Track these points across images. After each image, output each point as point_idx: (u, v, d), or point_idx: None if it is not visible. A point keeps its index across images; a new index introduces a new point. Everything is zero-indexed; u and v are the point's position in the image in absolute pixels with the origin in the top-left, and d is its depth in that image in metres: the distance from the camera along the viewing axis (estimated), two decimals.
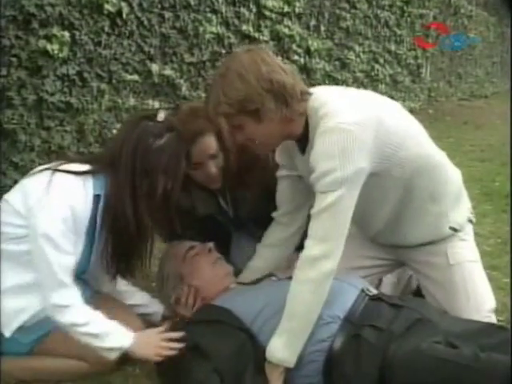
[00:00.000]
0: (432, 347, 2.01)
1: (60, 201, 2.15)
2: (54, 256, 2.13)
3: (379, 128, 2.24)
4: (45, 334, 2.32)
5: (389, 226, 2.52)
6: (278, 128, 2.32)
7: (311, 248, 2.17)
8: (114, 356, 2.22)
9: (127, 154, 2.22)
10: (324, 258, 2.15)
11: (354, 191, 2.19)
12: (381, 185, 2.34)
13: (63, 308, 2.16)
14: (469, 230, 2.60)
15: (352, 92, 2.51)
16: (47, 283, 2.16)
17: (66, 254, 2.16)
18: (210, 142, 2.66)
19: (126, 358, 2.41)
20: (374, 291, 2.34)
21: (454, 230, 2.52)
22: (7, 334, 2.26)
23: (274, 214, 2.71)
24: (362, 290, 2.30)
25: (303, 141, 2.40)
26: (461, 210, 2.56)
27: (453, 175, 2.54)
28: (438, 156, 2.49)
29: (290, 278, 2.24)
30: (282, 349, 2.17)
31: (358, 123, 2.18)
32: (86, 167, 2.26)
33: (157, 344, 2.22)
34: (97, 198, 2.24)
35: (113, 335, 2.20)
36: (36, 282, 2.20)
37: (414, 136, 2.41)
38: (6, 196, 2.32)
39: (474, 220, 2.64)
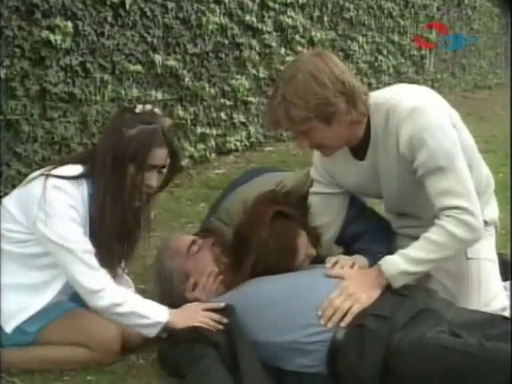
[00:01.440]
0: (437, 336, 2.01)
1: (61, 203, 2.20)
2: (74, 248, 2.19)
3: (447, 109, 2.38)
4: (49, 322, 2.33)
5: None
6: (345, 131, 2.36)
7: (467, 216, 2.22)
8: (154, 332, 2.26)
9: (104, 143, 2.30)
10: (479, 225, 2.25)
11: (462, 155, 2.29)
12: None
13: (99, 292, 2.21)
14: (492, 232, 2.63)
15: (399, 85, 2.59)
16: (77, 272, 2.21)
17: (83, 242, 2.22)
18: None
19: (128, 347, 2.45)
20: None
21: (486, 222, 2.51)
22: (8, 330, 2.30)
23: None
24: None
25: (360, 146, 2.43)
26: (492, 209, 2.63)
27: (489, 175, 2.65)
28: (478, 155, 2.58)
29: None
30: (401, 263, 2.23)
31: (432, 100, 2.36)
32: (77, 168, 2.29)
33: (194, 314, 2.28)
34: (91, 196, 2.28)
35: (150, 311, 2.25)
36: (38, 283, 2.29)
37: (464, 127, 2.50)
38: (5, 202, 2.36)
39: (498, 226, 2.68)
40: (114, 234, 2.32)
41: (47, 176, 2.24)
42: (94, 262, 2.23)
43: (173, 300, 2.47)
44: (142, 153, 2.25)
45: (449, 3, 11.32)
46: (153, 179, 2.31)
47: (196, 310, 2.32)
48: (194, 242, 2.57)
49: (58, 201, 2.20)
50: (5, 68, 3.80)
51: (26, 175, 3.97)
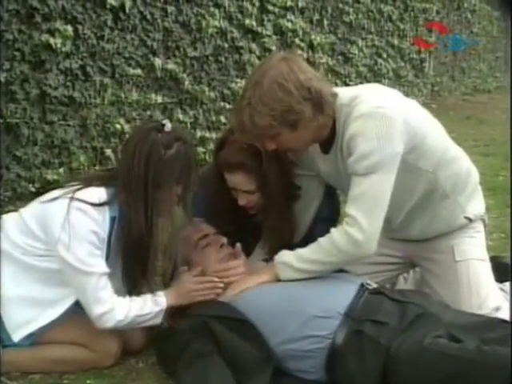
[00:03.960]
0: (435, 342, 2.01)
1: (82, 228, 2.23)
2: (92, 272, 2.24)
3: (407, 116, 2.32)
4: (51, 325, 2.33)
5: (409, 218, 2.54)
6: (311, 134, 2.37)
7: (352, 228, 2.25)
8: (159, 320, 2.36)
9: (139, 166, 2.27)
10: (364, 241, 2.24)
11: (392, 174, 2.27)
12: (409, 178, 2.39)
13: (105, 315, 2.26)
14: (480, 228, 2.61)
15: (374, 86, 2.59)
16: (85, 302, 2.28)
17: (101, 266, 2.27)
18: (243, 180, 2.62)
19: (128, 351, 2.46)
20: (374, 285, 2.34)
21: (469, 219, 2.54)
22: (15, 339, 2.32)
23: None
24: (362, 285, 2.30)
25: (326, 141, 2.44)
26: (476, 204, 2.60)
27: (470, 170, 2.60)
28: (454, 150, 2.56)
29: None
30: (291, 257, 2.34)
31: (390, 107, 2.28)
32: (101, 191, 2.30)
33: (189, 288, 2.39)
34: (112, 219, 2.31)
35: (150, 306, 2.33)
36: (50, 300, 2.32)
37: (433, 129, 2.48)
38: (24, 215, 2.37)
39: (486, 221, 2.66)
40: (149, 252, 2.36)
41: (71, 198, 2.25)
42: (108, 284, 2.28)
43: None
44: (187, 172, 2.32)
45: (448, 7, 11.32)
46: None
47: (189, 282, 2.40)
48: (204, 237, 2.59)
49: (81, 225, 2.23)
50: (5, 71, 3.81)
51: (25, 178, 4.03)
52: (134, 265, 2.34)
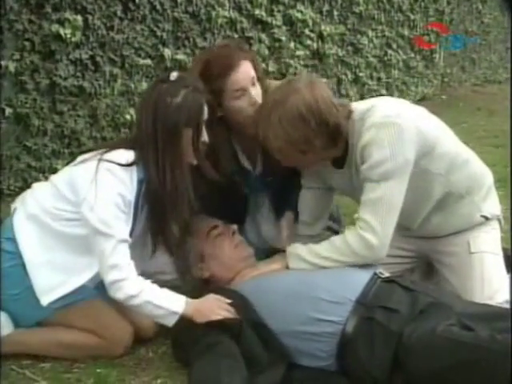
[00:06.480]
0: (448, 330, 2.01)
1: (109, 189, 2.24)
2: (112, 234, 2.23)
3: (418, 124, 2.39)
4: (68, 305, 2.34)
5: (426, 218, 2.58)
6: (319, 158, 2.46)
7: (367, 232, 2.32)
8: (172, 322, 2.28)
9: (147, 119, 2.30)
10: (378, 246, 2.32)
11: (404, 181, 2.35)
12: (423, 183, 2.45)
13: (118, 283, 2.24)
14: (496, 226, 2.64)
15: (384, 98, 2.67)
16: (102, 265, 2.26)
17: (123, 231, 2.26)
18: (249, 68, 2.62)
19: (139, 339, 2.47)
20: (387, 274, 2.35)
21: (486, 218, 2.58)
22: (44, 302, 2.31)
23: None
24: (375, 273, 2.31)
25: (339, 158, 2.49)
26: (492, 204, 2.63)
27: (483, 172, 2.65)
28: (466, 154, 2.60)
29: None
30: (304, 250, 2.40)
31: (401, 116, 2.36)
32: (130, 153, 2.31)
33: (213, 306, 2.29)
34: (140, 182, 2.32)
35: (166, 301, 2.27)
36: (77, 266, 2.32)
37: (443, 134, 2.53)
38: (54, 179, 2.41)
39: (502, 221, 2.69)
40: (179, 204, 2.34)
41: (100, 160, 2.27)
42: (127, 252, 2.26)
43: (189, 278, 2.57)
44: (196, 115, 2.32)
45: None
46: (205, 135, 2.38)
47: (215, 302, 2.32)
48: (215, 227, 2.59)
49: (108, 185, 2.24)
50: (15, 62, 3.82)
51: (35, 168, 4.05)
52: (155, 221, 2.35)
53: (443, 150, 2.47)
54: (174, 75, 2.34)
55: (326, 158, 2.49)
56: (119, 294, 2.25)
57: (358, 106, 2.48)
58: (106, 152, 2.32)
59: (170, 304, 2.27)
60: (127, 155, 2.31)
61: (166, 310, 2.26)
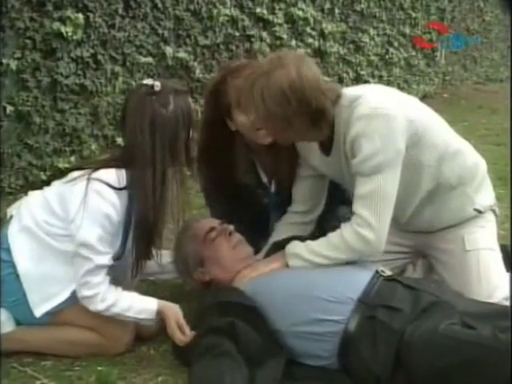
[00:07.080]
0: (450, 328, 2.01)
1: (96, 211, 2.25)
2: (85, 263, 2.27)
3: (408, 113, 2.35)
4: (64, 307, 2.36)
5: (417, 211, 2.56)
6: (302, 136, 2.43)
7: (362, 227, 2.31)
8: (151, 322, 2.36)
9: (144, 136, 2.28)
10: (374, 240, 2.31)
11: (397, 173, 2.32)
12: (412, 172, 2.42)
13: (88, 299, 2.29)
14: (490, 218, 2.61)
15: (374, 86, 2.65)
16: (76, 281, 2.30)
17: (102, 255, 2.28)
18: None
19: (140, 337, 2.48)
20: (388, 272, 2.35)
21: (479, 211, 2.55)
22: (38, 314, 2.35)
23: (289, 208, 2.77)
24: (376, 272, 2.31)
25: (325, 142, 2.46)
26: (485, 195, 2.60)
27: (477, 162, 2.60)
28: (458, 144, 2.56)
29: None
30: (302, 249, 2.40)
31: (390, 107, 2.32)
32: (121, 173, 2.30)
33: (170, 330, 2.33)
34: (131, 201, 2.32)
35: (133, 311, 2.32)
36: (70, 277, 2.33)
37: (434, 124, 2.50)
38: (46, 193, 2.42)
39: (497, 212, 2.66)
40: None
41: (90, 179, 2.27)
42: (101, 273, 2.29)
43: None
44: (190, 116, 2.35)
45: None
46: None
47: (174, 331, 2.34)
48: (212, 229, 2.58)
49: (96, 208, 2.25)
50: (16, 60, 3.82)
51: (37, 167, 4.05)
52: (141, 245, 2.35)
53: (433, 139, 2.44)
54: (157, 85, 2.32)
55: (311, 139, 2.46)
56: (91, 308, 2.31)
57: (347, 92, 2.43)
58: (96, 170, 2.30)
59: (138, 314, 2.33)
60: (119, 175, 2.30)
61: (135, 319, 2.34)
